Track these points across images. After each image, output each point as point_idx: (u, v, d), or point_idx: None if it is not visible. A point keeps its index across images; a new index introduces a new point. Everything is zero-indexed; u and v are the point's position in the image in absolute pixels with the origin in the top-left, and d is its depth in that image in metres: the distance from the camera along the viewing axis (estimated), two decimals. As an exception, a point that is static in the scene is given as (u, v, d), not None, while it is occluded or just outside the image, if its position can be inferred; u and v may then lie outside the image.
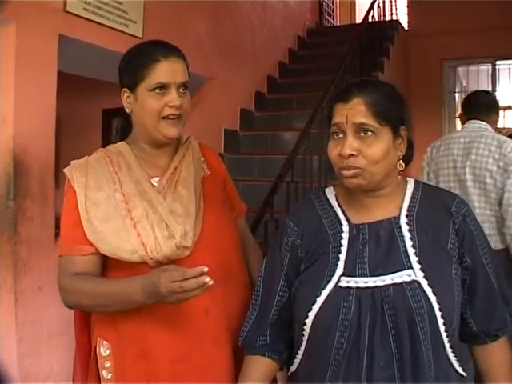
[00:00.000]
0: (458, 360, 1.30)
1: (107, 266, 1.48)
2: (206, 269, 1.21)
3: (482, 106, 3.06)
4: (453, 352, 1.28)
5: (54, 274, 1.48)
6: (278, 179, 3.28)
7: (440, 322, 1.23)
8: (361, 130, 1.26)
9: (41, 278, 3.00)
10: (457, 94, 8.05)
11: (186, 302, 1.27)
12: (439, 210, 1.34)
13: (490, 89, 7.65)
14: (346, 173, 1.28)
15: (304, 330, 1.32)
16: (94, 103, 5.86)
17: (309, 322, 1.30)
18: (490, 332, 1.36)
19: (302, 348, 1.36)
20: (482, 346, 1.38)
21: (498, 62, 7.56)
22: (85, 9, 3.39)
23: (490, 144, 2.86)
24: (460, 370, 1.31)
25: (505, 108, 7.86)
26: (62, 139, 6.34)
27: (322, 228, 1.37)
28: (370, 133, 1.25)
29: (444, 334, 1.24)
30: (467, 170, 2.86)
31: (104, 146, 1.60)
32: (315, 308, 1.28)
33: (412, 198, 1.36)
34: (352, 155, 1.26)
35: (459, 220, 1.33)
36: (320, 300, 1.28)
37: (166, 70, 1.44)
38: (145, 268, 1.39)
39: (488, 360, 1.38)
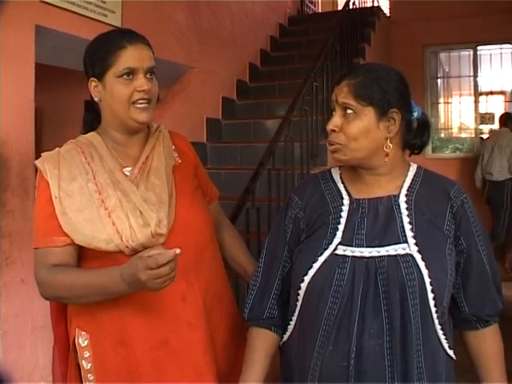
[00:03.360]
0: (448, 342, 1.34)
1: (83, 256, 1.47)
2: (178, 250, 1.23)
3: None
4: (442, 330, 1.32)
5: (37, 266, 1.47)
6: (259, 167, 3.27)
7: (430, 296, 1.27)
8: (344, 108, 1.34)
9: (23, 270, 2.98)
10: (439, 80, 8.10)
11: (163, 289, 1.29)
12: (438, 194, 1.39)
13: (471, 74, 7.71)
14: (329, 147, 1.39)
15: (299, 294, 1.38)
16: (75, 94, 5.76)
17: (303, 286, 1.36)
18: (481, 317, 1.40)
19: (296, 314, 1.42)
20: (473, 331, 1.42)
21: (479, 48, 7.60)
22: (61, -2, 3.35)
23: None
24: (450, 352, 1.35)
25: (487, 93, 7.92)
26: (44, 131, 6.29)
27: (324, 201, 1.44)
28: (350, 111, 1.34)
29: (433, 309, 1.28)
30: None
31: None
32: (311, 272, 1.34)
33: (413, 180, 1.41)
34: (334, 131, 1.36)
35: (457, 204, 1.37)
36: (316, 265, 1.34)
37: (133, 56, 1.46)
38: (121, 257, 1.39)
39: (479, 346, 1.42)
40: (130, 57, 1.45)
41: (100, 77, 1.48)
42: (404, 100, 1.38)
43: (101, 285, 1.35)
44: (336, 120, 1.36)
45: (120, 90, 1.46)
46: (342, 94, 1.35)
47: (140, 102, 1.47)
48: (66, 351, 1.54)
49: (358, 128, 1.33)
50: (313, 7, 9.30)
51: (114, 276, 1.31)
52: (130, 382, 1.44)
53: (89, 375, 1.47)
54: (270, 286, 1.48)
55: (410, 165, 1.45)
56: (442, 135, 8.24)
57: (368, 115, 1.33)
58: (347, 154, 1.36)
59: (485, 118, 7.86)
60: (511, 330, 1.72)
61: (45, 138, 6.03)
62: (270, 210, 3.31)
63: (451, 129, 8.32)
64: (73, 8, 3.45)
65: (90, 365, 1.47)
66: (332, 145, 1.38)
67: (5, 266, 2.91)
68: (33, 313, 3.04)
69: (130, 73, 1.45)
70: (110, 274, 1.33)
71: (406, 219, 1.35)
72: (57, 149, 1.52)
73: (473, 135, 7.81)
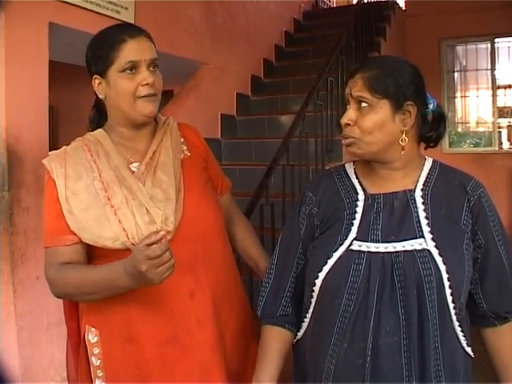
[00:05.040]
0: (466, 339, 1.32)
1: (92, 254, 1.48)
2: (162, 232, 1.25)
3: None
4: (460, 326, 1.30)
5: (52, 263, 1.47)
6: (272, 162, 3.26)
7: (448, 291, 1.25)
8: (359, 102, 1.32)
9: (38, 267, 2.99)
10: (456, 74, 7.99)
11: (170, 285, 1.29)
12: (455, 188, 1.37)
13: (489, 67, 7.60)
14: (343, 141, 1.37)
15: (313, 291, 1.36)
16: (90, 92, 5.78)
17: (318, 282, 1.34)
18: (499, 314, 1.37)
19: (310, 311, 1.40)
20: (491, 328, 1.39)
21: (496, 40, 7.48)
22: (74, -5, 3.36)
23: None
24: (468, 349, 1.33)
25: (505, 87, 7.81)
26: (59, 129, 6.34)
27: (339, 197, 1.42)
28: (365, 104, 1.32)
29: (451, 305, 1.26)
30: None
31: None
32: (326, 269, 1.32)
33: (429, 174, 1.39)
34: (348, 125, 1.33)
35: (474, 199, 1.35)
36: (331, 261, 1.32)
37: (134, 49, 1.44)
38: (128, 254, 1.38)
39: (497, 343, 1.39)
40: (131, 50, 1.44)
41: (103, 73, 1.47)
42: (419, 92, 1.36)
43: (107, 279, 1.35)
44: (350, 113, 1.34)
45: (124, 85, 1.45)
46: (357, 87, 1.33)
47: (145, 96, 1.46)
48: (78, 346, 1.54)
49: (372, 121, 1.31)
50: (328, 2, 9.26)
51: (118, 270, 1.31)
52: (138, 379, 1.44)
53: (98, 371, 1.47)
54: (284, 284, 1.46)
55: (425, 159, 1.43)
56: (460, 130, 8.15)
57: (383, 108, 1.31)
58: (362, 148, 1.34)
59: (503, 112, 7.77)
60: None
61: (60, 135, 6.07)
62: (284, 206, 3.30)
63: (468, 123, 8.21)
64: (86, 5, 3.48)
65: (99, 361, 1.47)
66: (347, 138, 1.36)
67: (20, 263, 2.94)
68: (48, 309, 3.06)
69: (133, 67, 1.44)
70: (114, 269, 1.33)
71: (422, 214, 1.33)
72: (64, 147, 1.53)
73: (491, 129, 7.71)
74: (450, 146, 7.69)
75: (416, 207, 1.34)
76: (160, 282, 1.27)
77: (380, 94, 1.31)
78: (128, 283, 1.31)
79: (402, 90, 1.32)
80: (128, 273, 1.28)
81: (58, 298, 1.50)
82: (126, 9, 3.80)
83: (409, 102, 1.32)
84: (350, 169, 1.48)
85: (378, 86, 1.31)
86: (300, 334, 1.46)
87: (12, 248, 2.90)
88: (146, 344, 1.44)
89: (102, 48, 1.46)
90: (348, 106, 1.37)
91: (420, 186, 1.37)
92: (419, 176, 1.39)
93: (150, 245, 1.23)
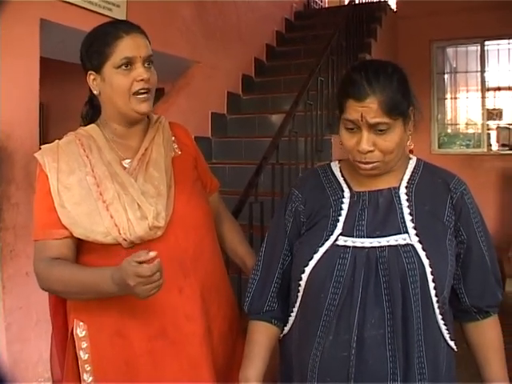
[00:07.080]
0: (449, 333, 1.35)
1: (81, 249, 1.48)
2: (152, 253, 1.25)
3: None
4: (443, 320, 1.33)
5: (41, 259, 1.47)
6: (262, 161, 3.27)
7: (431, 285, 1.28)
8: (376, 126, 1.29)
9: (28, 263, 2.98)
10: (446, 75, 8.03)
11: (150, 297, 1.29)
12: (438, 185, 1.40)
13: (479, 69, 7.65)
14: (363, 166, 1.34)
15: (300, 285, 1.38)
16: (81, 89, 5.74)
17: (305, 276, 1.36)
18: (481, 308, 1.40)
19: (297, 305, 1.42)
20: (474, 323, 1.42)
21: (486, 43, 7.52)
22: (66, -8, 3.35)
23: None
24: (451, 343, 1.36)
25: (494, 89, 7.86)
26: (50, 126, 6.32)
27: (325, 194, 1.44)
28: (384, 128, 1.29)
29: (434, 299, 1.29)
30: None
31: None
32: (312, 263, 1.34)
33: (413, 172, 1.42)
34: (369, 151, 1.31)
35: (457, 195, 1.38)
36: (317, 256, 1.34)
37: (129, 45, 1.46)
38: (119, 249, 1.41)
39: (479, 337, 1.42)
40: (126, 46, 1.45)
41: (98, 69, 1.48)
42: (412, 95, 1.36)
43: (93, 283, 1.36)
44: (368, 139, 1.30)
45: (119, 81, 1.46)
46: (372, 113, 1.27)
47: (140, 92, 1.47)
48: (64, 341, 1.55)
49: (395, 142, 1.31)
50: (319, 2, 9.27)
51: (105, 276, 1.32)
52: (127, 373, 1.45)
53: (86, 366, 1.48)
54: (270, 279, 1.48)
55: (409, 158, 1.46)
56: (449, 131, 8.19)
57: (400, 126, 1.31)
58: (382, 168, 1.35)
59: (492, 114, 7.81)
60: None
61: (51, 133, 6.05)
62: (273, 205, 3.31)
63: (458, 124, 8.26)
64: (77, 2, 3.47)
65: (87, 355, 1.48)
66: (369, 163, 1.33)
67: (9, 259, 2.94)
68: (37, 306, 3.05)
69: (128, 63, 1.45)
70: (102, 274, 1.34)
71: (406, 210, 1.36)
72: (56, 141, 1.53)
73: (480, 131, 7.75)
74: (439, 147, 7.72)
75: (400, 204, 1.37)
76: (145, 298, 1.29)
77: (397, 115, 1.30)
78: (114, 290, 1.32)
79: (408, 100, 1.33)
80: (115, 282, 1.29)
81: (45, 291, 1.50)
82: (118, 6, 3.80)
83: (411, 108, 1.35)
84: (335, 167, 1.50)
85: (395, 109, 1.29)
86: (286, 329, 1.48)
87: (1, 244, 2.90)
88: (135, 339, 1.45)
89: (98, 44, 1.47)
90: (354, 129, 1.32)
91: (404, 183, 1.40)
92: (404, 174, 1.41)
93: (141, 262, 1.24)
